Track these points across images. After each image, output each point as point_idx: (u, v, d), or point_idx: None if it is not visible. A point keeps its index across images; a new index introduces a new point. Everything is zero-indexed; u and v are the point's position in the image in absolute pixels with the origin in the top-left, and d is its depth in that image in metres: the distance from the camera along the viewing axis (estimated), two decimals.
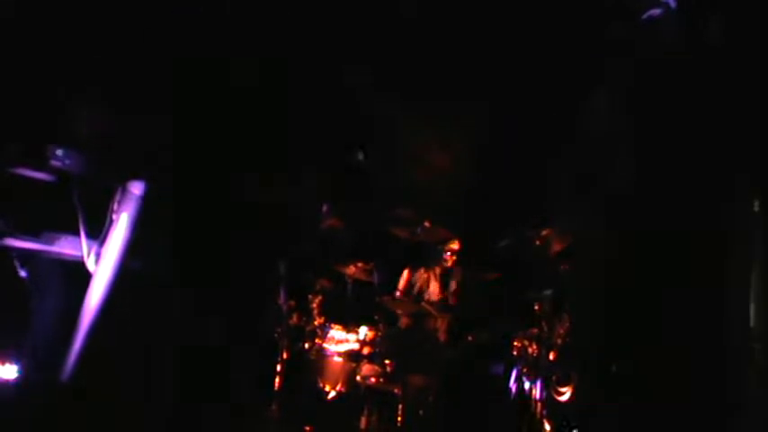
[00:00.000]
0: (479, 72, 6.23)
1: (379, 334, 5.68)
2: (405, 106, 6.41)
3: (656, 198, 4.01)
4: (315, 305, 5.78)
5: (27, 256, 4.49)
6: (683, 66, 3.94)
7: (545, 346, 5.40)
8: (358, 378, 5.53)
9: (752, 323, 3.78)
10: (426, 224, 5.91)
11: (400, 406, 5.39)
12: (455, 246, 6.43)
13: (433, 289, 6.49)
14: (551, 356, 5.39)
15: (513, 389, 5.47)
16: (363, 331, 5.67)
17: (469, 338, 5.94)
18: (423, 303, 6.19)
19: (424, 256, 6.52)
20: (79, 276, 4.36)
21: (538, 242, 5.45)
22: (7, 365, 4.18)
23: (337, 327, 5.71)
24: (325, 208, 5.87)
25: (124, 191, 4.33)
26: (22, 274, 4.40)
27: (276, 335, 5.55)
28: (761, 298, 3.79)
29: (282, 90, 5.82)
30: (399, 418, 5.36)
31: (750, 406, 3.95)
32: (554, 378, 5.41)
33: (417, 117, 6.49)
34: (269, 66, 5.71)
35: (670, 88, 4.00)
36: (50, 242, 4.71)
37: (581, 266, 4.43)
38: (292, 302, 5.70)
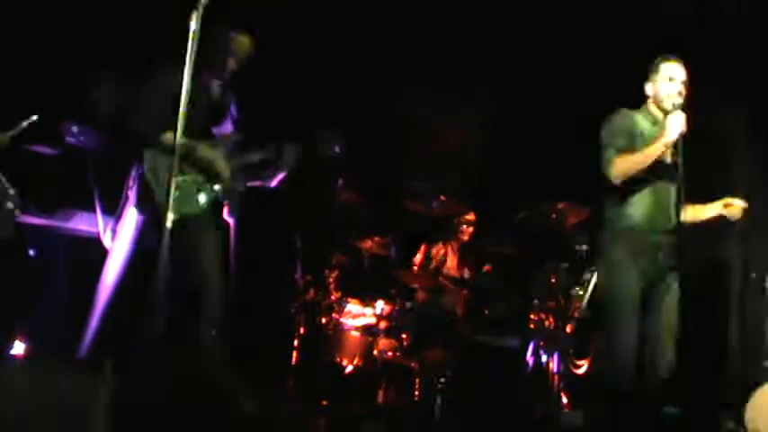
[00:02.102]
0: (494, 45, 6.15)
1: (396, 308, 5.67)
2: (418, 80, 6.35)
3: None
4: (331, 280, 5.76)
5: (42, 234, 4.52)
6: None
7: (562, 319, 5.37)
8: (375, 352, 5.53)
9: None
10: (442, 198, 5.87)
11: (417, 380, 5.40)
12: (471, 218, 6.40)
13: (451, 263, 6.47)
14: (568, 329, 5.37)
15: (531, 362, 5.45)
16: (380, 305, 5.66)
17: (486, 312, 5.92)
18: (440, 278, 6.17)
19: (440, 229, 6.49)
20: (95, 253, 4.38)
21: (554, 215, 5.41)
22: (20, 343, 4.22)
23: (354, 301, 5.70)
24: (340, 182, 5.83)
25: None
26: (34, 252, 4.43)
27: (293, 310, 5.55)
28: None
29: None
30: (416, 393, 5.37)
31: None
32: (571, 351, 5.40)
33: (431, 91, 6.43)
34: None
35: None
36: (66, 219, 4.73)
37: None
38: (309, 277, 5.69)
